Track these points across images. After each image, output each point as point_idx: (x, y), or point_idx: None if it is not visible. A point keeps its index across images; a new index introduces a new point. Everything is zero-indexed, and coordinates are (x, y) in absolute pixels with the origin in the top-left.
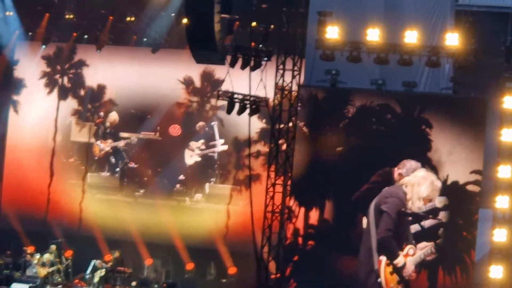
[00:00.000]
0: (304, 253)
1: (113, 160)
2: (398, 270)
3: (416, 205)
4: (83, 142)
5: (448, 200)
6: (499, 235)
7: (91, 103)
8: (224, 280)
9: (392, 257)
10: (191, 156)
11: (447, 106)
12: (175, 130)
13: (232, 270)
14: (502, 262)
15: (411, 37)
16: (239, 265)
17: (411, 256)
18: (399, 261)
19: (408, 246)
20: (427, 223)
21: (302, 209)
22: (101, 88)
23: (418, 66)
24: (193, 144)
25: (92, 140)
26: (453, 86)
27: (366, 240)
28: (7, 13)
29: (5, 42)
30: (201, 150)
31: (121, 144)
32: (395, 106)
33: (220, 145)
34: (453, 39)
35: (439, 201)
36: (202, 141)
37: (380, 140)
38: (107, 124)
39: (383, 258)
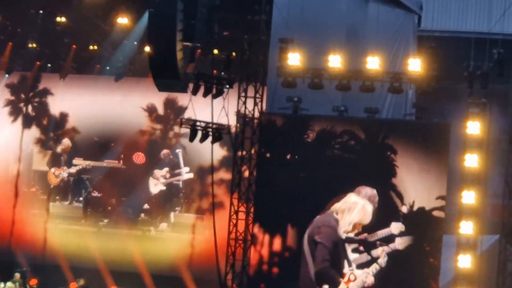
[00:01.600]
0: (269, 280)
1: (69, 188)
2: None
3: (345, 230)
4: (45, 171)
5: (413, 227)
6: (464, 261)
7: (54, 131)
8: None
9: (334, 285)
10: (156, 185)
11: (411, 132)
12: (139, 158)
13: None
14: None
15: (373, 63)
16: None
17: (352, 281)
18: None
19: (349, 273)
20: (379, 251)
21: (267, 236)
22: (64, 116)
23: (380, 93)
24: (157, 172)
25: (46, 168)
26: (416, 112)
27: (304, 271)
28: None
29: None
30: (166, 178)
31: (72, 170)
32: (359, 132)
33: (185, 173)
34: (415, 65)
35: (395, 228)
36: (166, 169)
37: (344, 166)
38: (59, 150)
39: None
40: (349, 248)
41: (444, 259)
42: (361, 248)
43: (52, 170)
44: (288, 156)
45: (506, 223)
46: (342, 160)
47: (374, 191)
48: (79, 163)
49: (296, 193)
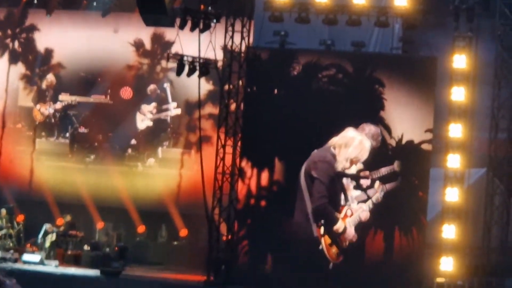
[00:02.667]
0: (257, 214)
1: (55, 124)
2: (335, 241)
3: (342, 166)
4: (30, 107)
5: (401, 160)
6: (451, 195)
7: (39, 67)
8: (175, 243)
9: (330, 222)
10: (143, 120)
11: (398, 65)
12: (126, 93)
13: (183, 232)
14: (454, 221)
15: None
16: (190, 228)
17: (349, 217)
18: (339, 226)
19: (346, 208)
20: (376, 186)
21: (255, 170)
22: (49, 52)
23: (367, 26)
24: (144, 107)
25: (32, 104)
26: (402, 45)
27: (300, 206)
28: None
29: None
30: (153, 114)
31: (58, 106)
32: (346, 66)
33: (173, 109)
34: None
35: (398, 165)
36: (154, 104)
37: (332, 99)
38: (43, 87)
39: (321, 225)
40: (351, 184)
41: (431, 192)
42: (362, 185)
43: (38, 106)
44: (275, 90)
45: (493, 156)
46: (330, 93)
47: (378, 129)
48: (65, 99)
49: (284, 127)
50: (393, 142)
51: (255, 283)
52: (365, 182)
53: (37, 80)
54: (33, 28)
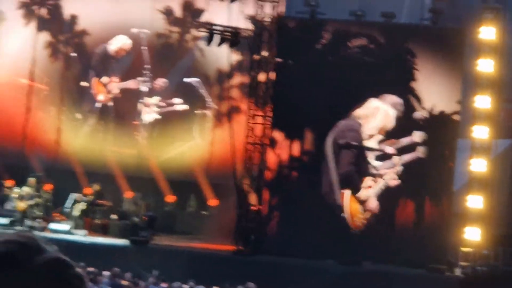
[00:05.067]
0: (287, 185)
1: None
2: (360, 208)
3: (370, 135)
4: (58, 74)
5: (431, 131)
6: (477, 165)
7: (64, 34)
8: (204, 212)
9: (356, 190)
10: (148, 113)
11: (427, 36)
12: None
13: (212, 202)
14: (480, 192)
15: None
16: (219, 197)
17: (371, 188)
18: (362, 194)
19: (367, 178)
20: (396, 159)
21: (285, 140)
22: (73, 18)
23: None
24: (147, 100)
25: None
26: (432, 17)
27: (326, 177)
28: None
29: None
30: (159, 107)
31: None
32: (377, 36)
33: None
34: None
35: (416, 136)
36: (157, 98)
37: (364, 70)
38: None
39: (347, 192)
40: (372, 154)
41: (457, 163)
42: (386, 154)
43: (105, 80)
44: (305, 60)
45: None
46: (361, 64)
47: (400, 100)
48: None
49: (315, 97)
50: (424, 113)
51: (284, 253)
52: (390, 151)
53: (62, 47)
54: None
